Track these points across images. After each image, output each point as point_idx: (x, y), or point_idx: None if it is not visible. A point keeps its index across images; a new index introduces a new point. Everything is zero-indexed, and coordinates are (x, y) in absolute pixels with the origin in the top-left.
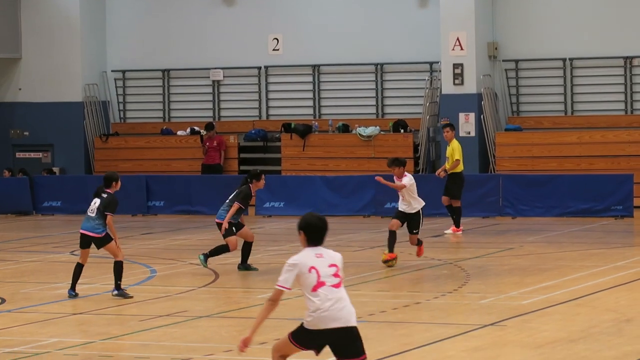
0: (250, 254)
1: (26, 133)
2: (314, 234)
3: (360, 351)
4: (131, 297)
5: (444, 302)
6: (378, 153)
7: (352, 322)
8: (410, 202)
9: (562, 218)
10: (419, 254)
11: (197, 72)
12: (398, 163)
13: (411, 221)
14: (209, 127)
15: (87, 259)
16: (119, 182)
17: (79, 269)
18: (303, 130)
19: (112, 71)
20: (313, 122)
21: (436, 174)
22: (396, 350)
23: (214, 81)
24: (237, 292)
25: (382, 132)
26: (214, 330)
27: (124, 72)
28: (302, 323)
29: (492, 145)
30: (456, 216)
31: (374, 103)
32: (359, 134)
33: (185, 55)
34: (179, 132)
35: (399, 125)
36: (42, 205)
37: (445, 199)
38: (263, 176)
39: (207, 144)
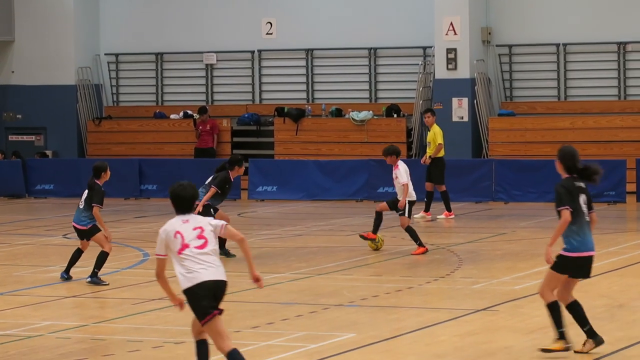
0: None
1: (19, 116)
2: (179, 203)
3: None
4: (106, 284)
5: (437, 287)
6: (371, 137)
7: (221, 277)
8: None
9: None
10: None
11: (191, 55)
12: (389, 152)
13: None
14: (202, 110)
15: (86, 247)
16: (109, 172)
17: (77, 254)
18: (296, 115)
19: (105, 54)
20: (306, 106)
21: (422, 161)
22: (388, 334)
23: (207, 65)
24: (229, 276)
25: (375, 117)
26: None
27: (117, 55)
28: (182, 292)
29: (485, 131)
30: (444, 200)
31: (367, 87)
32: (352, 118)
33: (178, 39)
34: (172, 116)
35: (392, 109)
36: (35, 188)
37: (429, 185)
38: (243, 163)
39: (200, 127)
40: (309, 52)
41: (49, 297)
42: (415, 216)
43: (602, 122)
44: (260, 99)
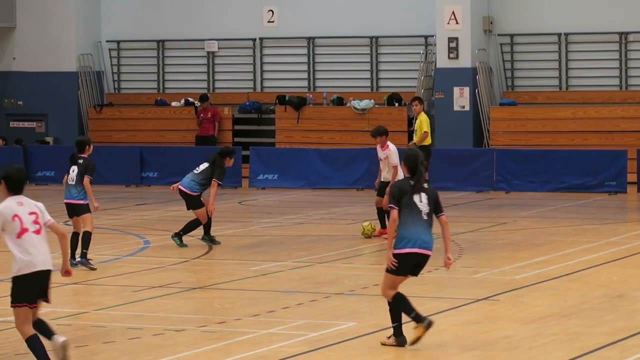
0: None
1: (20, 102)
2: (14, 184)
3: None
4: (95, 268)
5: (437, 276)
6: (372, 126)
7: (49, 266)
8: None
9: (556, 193)
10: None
11: (192, 43)
12: (380, 132)
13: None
14: (203, 98)
15: (80, 226)
16: (92, 146)
17: (74, 238)
18: (297, 103)
19: (106, 41)
20: (307, 94)
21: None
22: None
23: (208, 52)
24: (230, 264)
25: (376, 106)
26: (207, 302)
27: (118, 42)
28: (13, 278)
29: (486, 120)
30: None
31: (369, 76)
32: (354, 107)
33: (180, 26)
34: (173, 104)
35: (394, 98)
36: (36, 175)
37: None
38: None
39: (202, 115)
40: (310, 40)
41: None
42: None
43: (603, 112)
44: (262, 87)
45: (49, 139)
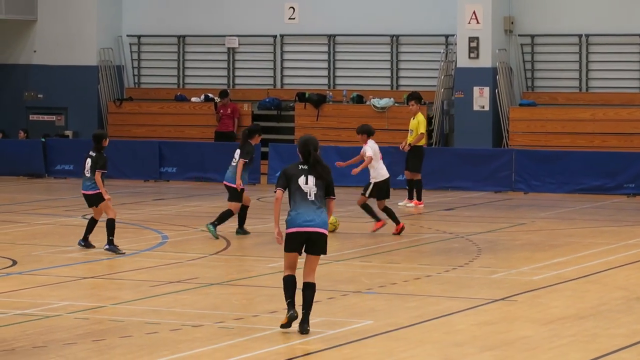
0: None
1: (40, 96)
2: None
3: None
4: (123, 253)
5: (455, 275)
6: (392, 125)
7: None
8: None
9: (574, 194)
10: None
11: (213, 39)
12: (359, 131)
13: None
14: (223, 94)
15: (99, 215)
16: (107, 140)
17: (92, 222)
18: (317, 100)
19: (127, 36)
20: (327, 92)
21: (400, 147)
22: (406, 322)
23: (229, 48)
24: (248, 260)
25: (396, 104)
26: (225, 298)
27: (139, 37)
28: None
29: (505, 120)
30: (417, 189)
31: (389, 75)
32: (373, 105)
33: (201, 21)
34: (193, 99)
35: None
36: (55, 168)
37: (407, 173)
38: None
39: (221, 111)
40: (331, 37)
41: (67, 278)
42: (399, 204)
43: (622, 114)
44: (282, 84)
45: (69, 133)
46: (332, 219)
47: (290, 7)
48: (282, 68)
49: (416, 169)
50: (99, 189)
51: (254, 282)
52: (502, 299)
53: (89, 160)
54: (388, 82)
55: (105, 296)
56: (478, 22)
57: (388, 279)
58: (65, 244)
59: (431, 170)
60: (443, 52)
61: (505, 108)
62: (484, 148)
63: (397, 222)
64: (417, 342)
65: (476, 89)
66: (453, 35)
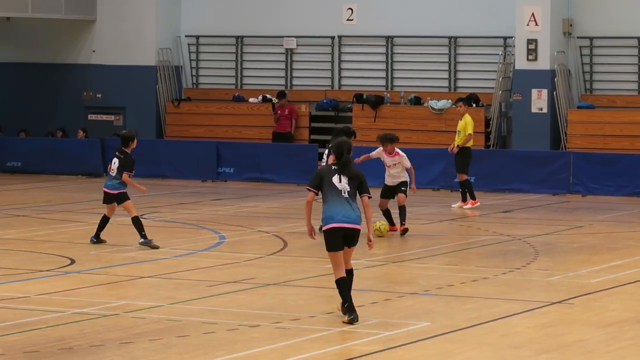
0: None
1: (99, 95)
2: None
3: None
4: (157, 247)
5: (512, 278)
6: (449, 126)
7: None
8: (399, 175)
9: (632, 197)
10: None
11: (271, 39)
12: (389, 140)
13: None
14: (281, 95)
15: (112, 212)
16: (135, 141)
17: (104, 220)
18: (375, 102)
19: (186, 36)
20: (385, 93)
21: (449, 150)
22: (463, 324)
23: (287, 49)
24: (305, 261)
25: (453, 106)
26: (281, 298)
27: (197, 37)
28: None
29: (564, 123)
30: (467, 190)
31: (447, 76)
32: (431, 106)
33: (259, 22)
34: (251, 100)
35: (471, 99)
36: None
37: (460, 176)
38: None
39: (279, 112)
40: (389, 39)
41: (125, 277)
42: (452, 206)
43: None
44: (340, 85)
45: None
46: (377, 224)
47: (349, 9)
48: (340, 69)
49: (463, 170)
50: (123, 189)
51: (311, 283)
52: (559, 301)
53: (115, 160)
54: (446, 83)
55: (163, 295)
56: (537, 24)
57: (445, 280)
58: (122, 244)
59: (488, 172)
60: (501, 54)
61: (563, 110)
62: (541, 150)
63: (392, 223)
64: (474, 344)
65: (534, 91)
66: (511, 37)
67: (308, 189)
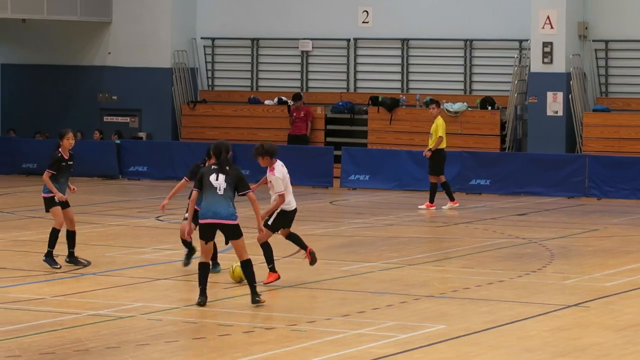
0: None
1: (114, 97)
2: None
3: None
4: (58, 267)
5: (528, 281)
6: (465, 129)
7: None
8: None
9: None
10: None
11: (286, 42)
12: (263, 152)
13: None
14: (296, 97)
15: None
16: (69, 140)
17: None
18: (390, 104)
19: (201, 38)
20: (400, 96)
21: (423, 154)
22: (479, 327)
23: (302, 52)
24: (320, 263)
25: (469, 109)
26: (297, 301)
27: (213, 39)
28: None
29: (579, 126)
30: (431, 191)
31: (462, 79)
32: (446, 109)
33: (274, 24)
34: (266, 102)
35: (487, 102)
36: (128, 169)
37: (431, 177)
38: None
39: (294, 114)
40: (404, 41)
41: (141, 279)
42: (443, 207)
43: None
44: (355, 88)
45: (142, 135)
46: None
47: (364, 11)
48: (356, 71)
49: (438, 172)
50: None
51: (326, 286)
52: (575, 305)
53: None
54: (461, 86)
55: (179, 297)
56: (552, 27)
57: (461, 283)
58: (138, 246)
59: (504, 175)
60: (516, 57)
61: (578, 113)
62: (557, 153)
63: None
64: (490, 347)
65: (550, 94)
66: (527, 40)
67: (193, 188)
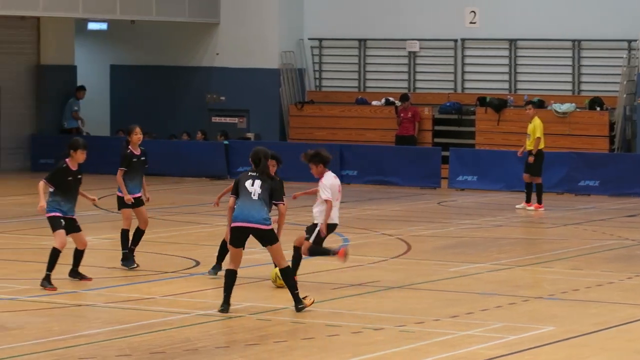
0: None
1: (222, 98)
2: None
3: None
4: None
5: (637, 282)
6: (573, 130)
7: None
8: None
9: None
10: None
11: (393, 42)
12: (316, 160)
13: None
14: (404, 98)
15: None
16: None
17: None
18: (498, 105)
19: (308, 39)
20: (508, 96)
21: (518, 154)
22: (588, 329)
23: (409, 52)
24: (428, 264)
25: (577, 109)
26: (405, 302)
27: (320, 40)
28: None
29: None
30: (538, 192)
31: (570, 79)
32: (555, 110)
33: (381, 25)
34: (374, 102)
35: (595, 102)
36: (237, 170)
37: (526, 177)
38: None
39: (402, 115)
40: (512, 42)
41: (249, 279)
42: (517, 207)
43: None
44: (463, 88)
45: (250, 135)
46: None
47: (471, 12)
48: (463, 72)
49: (537, 173)
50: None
51: (434, 287)
52: None
53: None
54: (569, 87)
55: (287, 298)
56: None
57: (570, 285)
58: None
59: (613, 176)
60: (625, 57)
61: None
62: None
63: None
64: (599, 349)
65: None
66: (635, 40)
67: (230, 195)
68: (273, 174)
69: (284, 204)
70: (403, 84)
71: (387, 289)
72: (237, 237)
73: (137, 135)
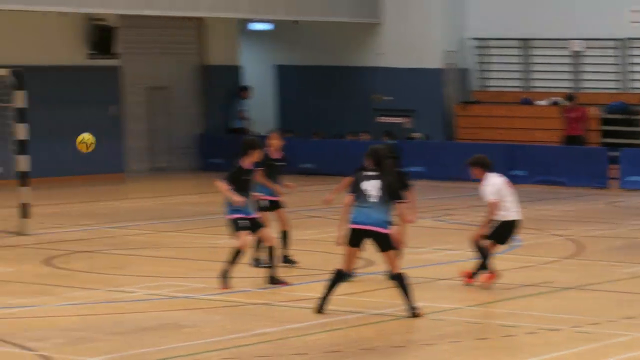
0: None
1: (387, 98)
2: None
3: None
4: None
5: None
6: None
7: None
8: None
9: None
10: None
11: (557, 42)
12: (475, 163)
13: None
14: (569, 98)
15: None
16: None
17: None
18: None
19: (471, 38)
20: None
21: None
22: None
23: (574, 52)
24: (601, 264)
25: None
26: (579, 302)
27: (483, 39)
28: None
29: None
30: None
31: None
32: None
33: (545, 25)
34: (539, 102)
35: None
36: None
37: None
38: None
39: (569, 114)
40: None
41: (422, 279)
42: None
43: None
44: (629, 88)
45: (417, 135)
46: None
47: (635, 11)
48: (629, 72)
49: None
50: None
51: (609, 287)
52: None
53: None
54: None
55: (461, 297)
56: None
57: None
58: (417, 246)
59: None
60: None
61: None
62: None
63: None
64: None
65: None
66: None
67: (348, 192)
68: (393, 171)
69: (400, 201)
70: (568, 84)
71: (560, 289)
72: (353, 239)
73: (274, 141)
